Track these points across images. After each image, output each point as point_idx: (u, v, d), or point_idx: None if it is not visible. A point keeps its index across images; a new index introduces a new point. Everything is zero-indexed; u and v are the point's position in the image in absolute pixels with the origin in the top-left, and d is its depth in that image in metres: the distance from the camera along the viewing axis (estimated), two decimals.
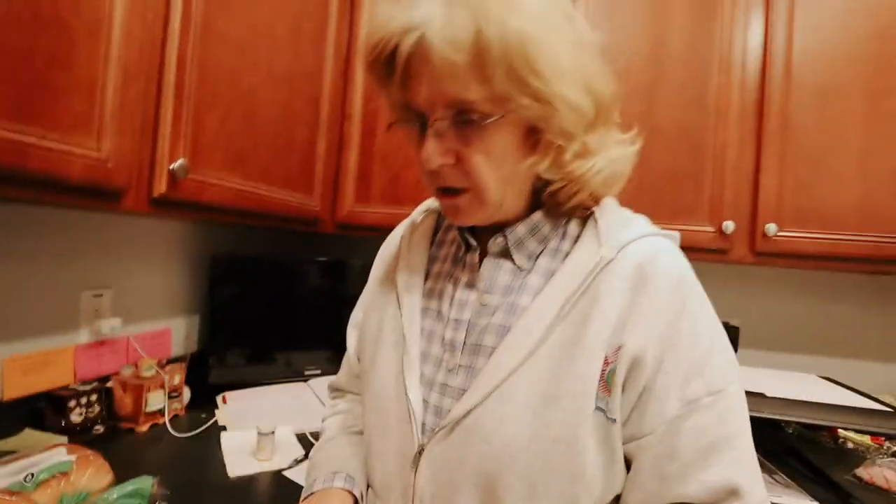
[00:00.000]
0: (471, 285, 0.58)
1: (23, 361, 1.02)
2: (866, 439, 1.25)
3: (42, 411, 1.04)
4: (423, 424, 0.55)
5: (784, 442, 1.26)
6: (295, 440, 1.13)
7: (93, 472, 0.80)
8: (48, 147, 0.69)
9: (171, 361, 1.31)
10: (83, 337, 1.15)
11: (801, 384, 1.21)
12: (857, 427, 1.05)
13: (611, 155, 0.54)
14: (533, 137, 0.51)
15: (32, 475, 0.75)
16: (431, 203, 0.70)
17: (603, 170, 0.53)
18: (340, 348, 0.79)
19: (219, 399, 1.34)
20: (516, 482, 0.49)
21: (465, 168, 0.51)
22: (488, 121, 0.48)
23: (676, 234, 0.58)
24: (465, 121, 0.49)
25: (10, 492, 0.71)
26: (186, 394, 1.28)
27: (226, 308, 1.45)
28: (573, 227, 0.57)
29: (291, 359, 1.56)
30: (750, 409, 1.00)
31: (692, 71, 1.34)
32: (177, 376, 1.24)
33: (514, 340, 0.51)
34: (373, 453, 0.61)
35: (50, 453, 0.80)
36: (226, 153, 1.04)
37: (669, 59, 1.35)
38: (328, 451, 0.67)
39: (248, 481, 0.96)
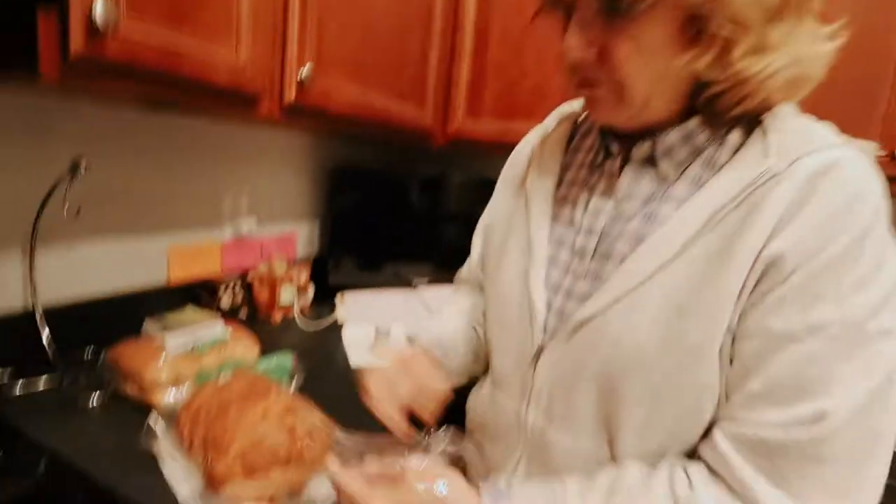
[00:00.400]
0: (608, 193, 0.55)
1: (182, 252, 1.19)
2: None
3: (199, 294, 1.22)
4: (545, 326, 0.55)
5: None
6: (406, 341, 1.23)
7: (244, 345, 0.94)
8: (196, 54, 0.75)
9: (297, 262, 1.45)
10: (227, 234, 1.31)
11: None
12: None
13: (799, 52, 0.44)
14: (694, 28, 0.43)
15: (198, 344, 0.90)
16: (567, 109, 0.67)
17: (783, 70, 0.44)
18: (445, 261, 0.82)
19: (338, 298, 1.47)
20: (639, 387, 0.48)
21: (610, 62, 0.47)
22: (640, 6, 0.43)
23: (873, 145, 0.47)
24: (614, 8, 0.44)
25: (185, 353, 0.85)
26: (311, 291, 1.42)
27: (342, 217, 1.56)
28: (735, 136, 0.49)
29: (399, 268, 1.66)
30: None
31: None
32: (303, 275, 1.38)
33: (649, 249, 0.49)
34: (494, 350, 0.64)
35: (211, 326, 0.94)
36: (346, 62, 1.07)
37: None
38: (432, 322, 0.73)
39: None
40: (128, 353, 0.84)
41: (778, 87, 0.45)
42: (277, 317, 1.30)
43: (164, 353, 0.83)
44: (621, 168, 0.55)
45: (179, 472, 0.65)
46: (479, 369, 0.75)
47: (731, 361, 0.46)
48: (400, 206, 1.67)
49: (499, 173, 0.74)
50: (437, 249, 1.71)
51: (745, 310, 0.44)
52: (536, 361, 0.55)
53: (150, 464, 0.66)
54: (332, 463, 0.51)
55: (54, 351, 0.88)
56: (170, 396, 0.80)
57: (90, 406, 0.81)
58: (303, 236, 1.59)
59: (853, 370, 0.41)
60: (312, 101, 0.98)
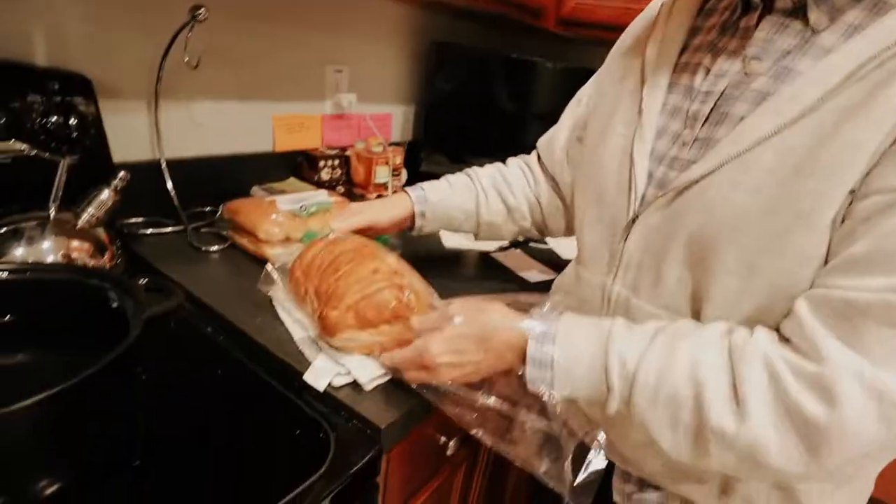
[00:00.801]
0: (737, 53, 0.49)
1: (286, 121, 1.20)
2: None
3: (301, 165, 1.24)
4: (643, 196, 0.53)
5: None
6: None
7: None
8: None
9: (392, 144, 1.43)
10: (327, 108, 1.30)
11: None
12: None
13: None
14: None
15: (305, 207, 0.92)
16: None
17: None
18: None
19: None
20: (734, 256, 0.45)
21: None
22: None
23: None
24: None
25: (293, 214, 0.88)
26: (404, 174, 1.41)
27: (441, 102, 1.49)
28: None
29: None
30: None
31: None
32: (398, 157, 1.36)
33: (772, 105, 0.43)
34: (585, 224, 0.62)
35: (315, 193, 0.96)
36: None
37: None
38: (443, 181, 0.81)
39: (460, 255, 1.07)
40: (244, 209, 0.87)
41: None
42: (373, 194, 1.31)
43: (277, 211, 0.85)
44: (759, 23, 0.47)
45: (292, 319, 0.68)
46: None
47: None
48: (498, 95, 1.57)
49: None
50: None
51: (873, 168, 0.39)
52: (629, 232, 0.54)
53: (268, 307, 0.71)
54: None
55: (176, 200, 0.93)
56: (280, 253, 0.84)
57: (211, 252, 0.87)
58: (398, 119, 1.56)
59: None
60: None
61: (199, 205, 1.00)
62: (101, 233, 0.72)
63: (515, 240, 0.98)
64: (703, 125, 0.50)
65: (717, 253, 0.46)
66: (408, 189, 0.81)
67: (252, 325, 0.67)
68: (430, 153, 1.54)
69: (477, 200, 0.80)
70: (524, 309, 0.54)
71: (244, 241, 0.87)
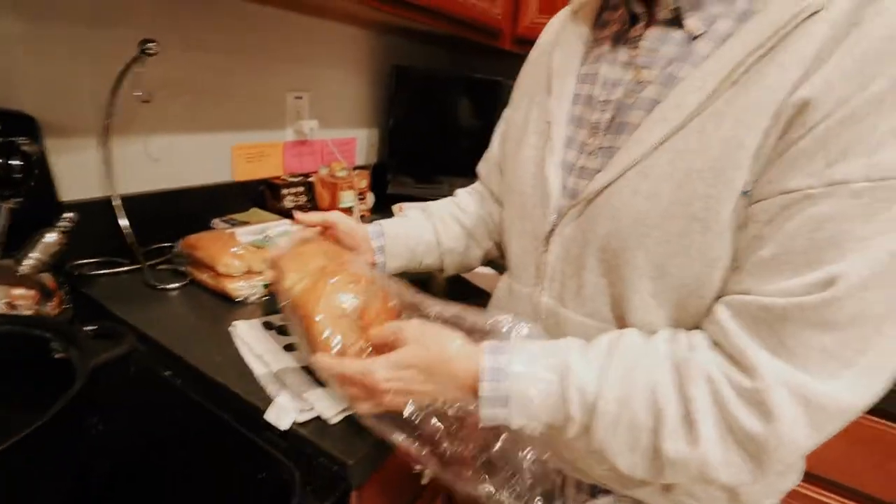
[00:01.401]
0: (629, 63, 0.51)
1: (246, 150, 1.18)
2: None
3: (263, 194, 1.22)
4: (559, 207, 0.54)
5: None
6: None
7: None
8: None
9: (357, 168, 1.42)
10: (289, 135, 1.28)
11: None
12: None
13: None
14: None
15: (269, 237, 0.90)
16: None
17: None
18: None
19: (395, 208, 1.45)
20: (644, 261, 0.46)
21: None
22: None
23: None
24: None
25: (256, 246, 0.86)
26: (370, 198, 1.41)
27: (403, 124, 1.50)
28: None
29: (455, 185, 1.61)
30: None
31: None
32: (363, 181, 1.35)
33: (661, 113, 0.46)
34: (511, 237, 0.64)
35: (277, 223, 0.94)
36: None
37: None
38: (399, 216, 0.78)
39: (429, 276, 1.06)
40: (203, 243, 0.85)
41: None
42: None
43: (237, 244, 0.83)
44: (645, 33, 0.50)
45: (253, 355, 0.66)
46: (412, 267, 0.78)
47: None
48: (460, 115, 1.59)
49: None
50: None
51: (764, 168, 0.40)
52: (549, 241, 0.55)
53: (230, 344, 0.69)
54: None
55: (132, 238, 0.90)
56: (242, 286, 0.82)
57: (169, 291, 0.84)
58: (362, 142, 1.56)
59: (874, 231, 0.36)
60: None
61: (157, 241, 0.97)
62: (47, 278, 0.69)
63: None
64: (604, 134, 0.52)
65: (628, 259, 0.47)
66: (365, 225, 0.78)
67: (211, 365, 0.65)
68: (396, 175, 1.54)
69: (435, 229, 0.79)
70: (467, 328, 0.53)
71: (204, 277, 0.84)
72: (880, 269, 0.36)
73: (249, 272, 0.82)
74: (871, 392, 0.39)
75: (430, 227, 0.79)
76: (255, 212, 1.18)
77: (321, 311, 0.56)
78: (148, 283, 0.84)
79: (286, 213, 1.21)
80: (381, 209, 1.43)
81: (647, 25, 0.51)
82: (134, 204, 0.93)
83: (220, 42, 1.05)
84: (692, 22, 0.47)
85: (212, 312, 0.77)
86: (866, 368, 0.38)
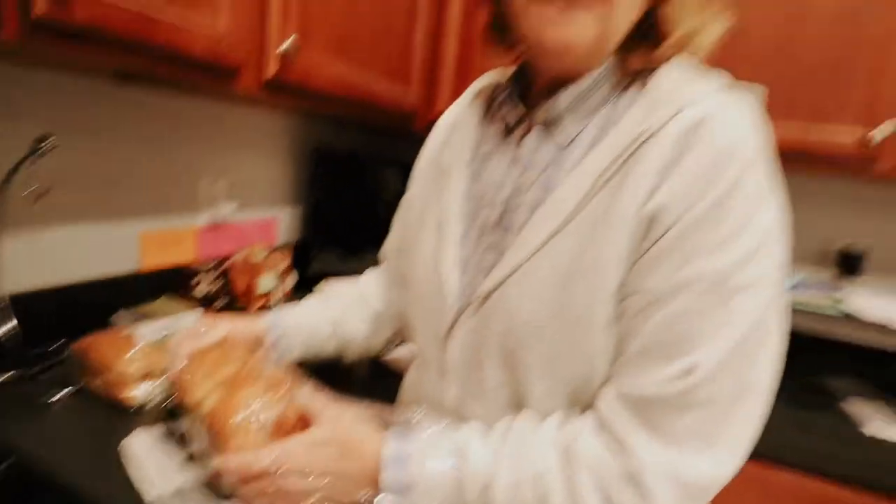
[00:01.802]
0: (513, 162, 0.55)
1: (155, 238, 1.13)
2: None
3: (173, 283, 1.16)
4: (457, 305, 0.55)
5: None
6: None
7: None
8: (172, 21, 0.69)
9: (277, 249, 1.39)
10: (203, 220, 1.24)
11: None
12: None
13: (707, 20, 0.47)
14: None
15: (171, 334, 0.84)
16: (483, 81, 0.65)
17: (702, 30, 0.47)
18: None
19: (319, 287, 1.42)
20: (536, 360, 0.49)
21: None
22: None
23: (759, 90, 0.47)
24: None
25: (157, 345, 0.80)
26: (291, 280, 1.37)
27: (325, 202, 1.50)
28: (629, 94, 0.50)
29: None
30: (869, 340, 0.92)
31: None
32: (283, 263, 1.32)
33: (542, 217, 0.49)
34: (415, 331, 0.64)
35: (185, 315, 0.89)
36: (330, 36, 1.01)
37: None
38: (301, 302, 0.77)
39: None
40: (95, 346, 0.78)
41: (709, 42, 0.48)
42: (255, 306, 1.24)
43: (135, 345, 0.77)
44: (525, 135, 0.55)
45: (142, 475, 0.60)
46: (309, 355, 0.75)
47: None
48: (381, 191, 1.62)
49: None
50: None
51: (630, 269, 0.45)
52: (449, 339, 0.56)
53: (118, 464, 0.62)
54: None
55: (18, 342, 0.81)
56: (141, 392, 0.75)
57: (54, 402, 0.75)
58: (284, 221, 1.53)
59: (719, 324, 0.42)
60: (295, 76, 0.93)
61: (53, 341, 0.88)
62: None
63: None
64: (494, 231, 0.54)
65: (523, 358, 0.49)
66: (261, 316, 0.75)
67: (97, 490, 0.58)
68: (319, 252, 1.52)
69: (335, 317, 0.76)
70: (382, 424, 0.52)
71: (97, 384, 0.77)
72: (727, 357, 0.42)
73: (148, 376, 0.76)
74: (733, 463, 0.43)
75: (330, 316, 0.76)
76: (164, 302, 1.11)
77: (236, 429, 0.52)
78: (32, 394, 0.75)
79: (200, 302, 1.15)
80: (306, 287, 1.39)
81: (526, 129, 0.54)
82: (24, 302, 0.85)
83: (126, 131, 1.02)
84: (562, 131, 0.52)
85: (104, 424, 0.69)
86: (726, 443, 0.43)
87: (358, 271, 1.49)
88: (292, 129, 1.50)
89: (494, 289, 0.51)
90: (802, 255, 1.51)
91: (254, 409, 0.54)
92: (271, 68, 0.88)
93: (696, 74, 0.48)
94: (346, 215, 1.55)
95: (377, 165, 1.60)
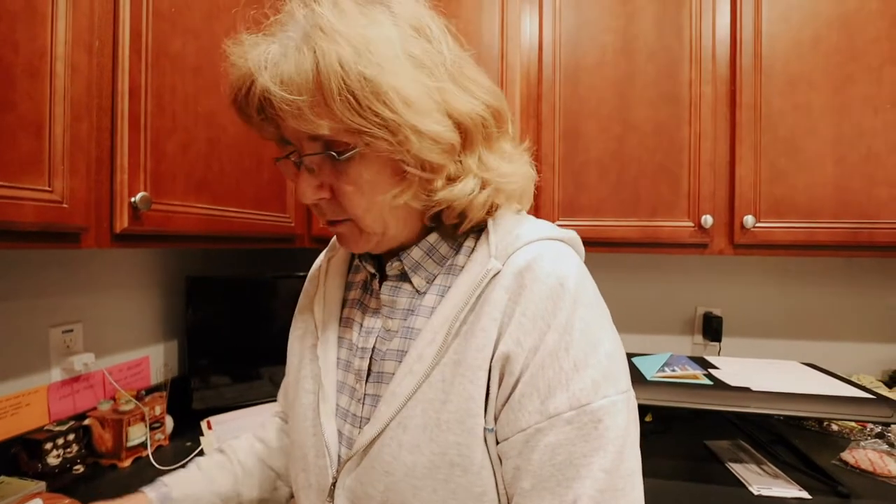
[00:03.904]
0: (377, 311, 0.58)
1: None
2: (850, 422, 1.28)
3: (17, 457, 1.00)
4: (339, 457, 0.55)
5: (771, 429, 1.28)
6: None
7: None
8: None
9: (151, 391, 1.28)
10: (56, 375, 1.11)
11: (785, 373, 1.22)
12: (842, 417, 1.07)
13: (499, 171, 0.52)
14: (402, 167, 0.49)
15: None
16: None
17: (484, 191, 0.51)
18: None
19: (203, 425, 1.31)
20: None
21: (340, 200, 0.52)
22: (346, 155, 0.48)
23: (572, 234, 0.55)
24: (332, 156, 0.49)
25: None
26: (169, 423, 1.25)
27: (204, 330, 1.41)
28: (470, 241, 0.55)
29: (275, 375, 1.53)
30: (737, 405, 1.03)
31: (663, 64, 1.33)
32: (157, 406, 1.21)
33: (408, 366, 0.51)
34: (298, 488, 0.61)
35: (30, 500, 0.77)
36: (190, 179, 1.01)
37: (640, 54, 1.34)
38: (192, 467, 0.72)
39: None
40: None
41: (482, 203, 0.51)
42: (126, 462, 1.11)
43: None
44: (381, 286, 0.58)
45: None
46: None
47: (501, 463, 0.48)
48: (271, 309, 1.57)
49: None
50: None
51: (497, 412, 0.48)
52: (332, 496, 0.54)
53: None
54: None
55: None
56: None
57: None
58: (157, 359, 1.41)
59: (590, 449, 0.44)
60: (151, 224, 0.90)
61: None
62: None
63: None
64: (367, 382, 0.55)
65: None
66: (147, 489, 0.67)
67: None
68: (200, 386, 1.41)
69: (235, 478, 0.71)
70: None
71: None
72: (603, 485, 0.44)
73: None
74: None
75: (230, 478, 0.71)
76: (2, 484, 0.95)
77: None
78: None
79: (51, 474, 1.00)
80: (186, 430, 1.27)
81: (382, 280, 0.57)
82: None
83: None
84: (416, 280, 0.55)
85: None
86: None
87: (249, 401, 1.39)
88: (158, 262, 1.43)
89: (373, 440, 0.50)
90: (671, 322, 1.67)
91: None
92: (122, 222, 0.84)
93: (524, 220, 0.55)
94: (229, 342, 1.47)
95: (260, 285, 1.55)
